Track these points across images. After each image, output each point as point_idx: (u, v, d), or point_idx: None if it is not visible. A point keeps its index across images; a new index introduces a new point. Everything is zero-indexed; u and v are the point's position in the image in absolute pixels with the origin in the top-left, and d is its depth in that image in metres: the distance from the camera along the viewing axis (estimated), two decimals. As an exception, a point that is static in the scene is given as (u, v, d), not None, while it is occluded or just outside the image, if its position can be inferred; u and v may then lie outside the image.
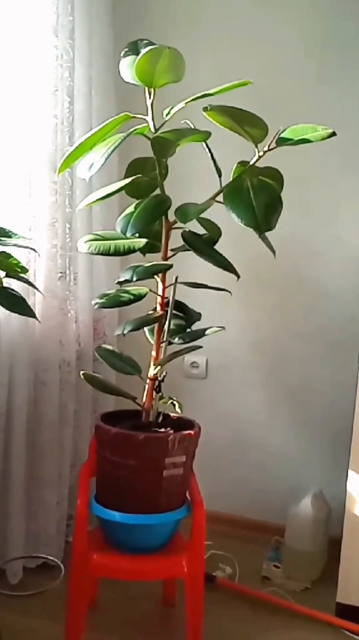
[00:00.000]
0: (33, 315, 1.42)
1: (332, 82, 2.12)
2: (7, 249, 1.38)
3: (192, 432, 1.53)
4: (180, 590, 1.73)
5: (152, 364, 1.59)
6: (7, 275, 1.38)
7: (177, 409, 1.62)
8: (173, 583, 1.82)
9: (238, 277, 1.51)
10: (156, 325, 1.59)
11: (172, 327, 1.58)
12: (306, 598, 1.90)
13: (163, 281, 1.57)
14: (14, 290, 1.42)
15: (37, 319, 1.54)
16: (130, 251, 1.47)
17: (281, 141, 1.38)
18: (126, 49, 1.50)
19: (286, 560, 2.05)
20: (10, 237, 1.34)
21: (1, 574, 1.83)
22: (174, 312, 1.59)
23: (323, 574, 2.02)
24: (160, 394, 1.60)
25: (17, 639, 1.63)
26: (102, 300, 1.56)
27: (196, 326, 1.64)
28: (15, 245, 1.35)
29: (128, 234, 1.41)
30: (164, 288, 1.58)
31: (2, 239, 1.33)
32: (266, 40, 2.17)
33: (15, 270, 1.37)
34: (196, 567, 1.55)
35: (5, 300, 1.36)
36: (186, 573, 1.54)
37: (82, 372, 1.62)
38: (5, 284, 1.38)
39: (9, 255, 1.39)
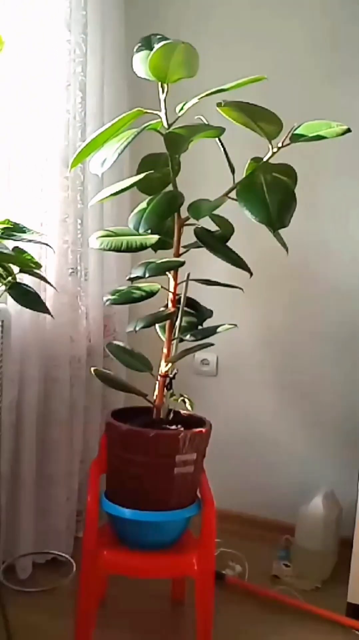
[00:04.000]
0: (47, 311, 1.42)
1: (344, 81, 2.10)
2: (20, 245, 1.38)
3: (203, 430, 1.52)
4: (189, 588, 1.73)
5: (162, 361, 1.58)
6: (20, 271, 1.37)
7: (188, 407, 1.61)
8: (182, 581, 1.82)
9: (251, 274, 1.50)
10: (167, 322, 1.58)
11: (183, 324, 1.57)
12: (317, 598, 1.89)
13: (175, 278, 1.56)
14: (28, 286, 1.42)
15: (52, 315, 1.53)
16: (142, 247, 1.46)
17: (296, 137, 1.37)
18: (139, 44, 1.49)
19: (297, 560, 2.04)
20: (24, 232, 1.34)
21: (11, 569, 1.83)
22: (185, 309, 1.59)
23: (333, 574, 2.01)
24: (171, 391, 1.59)
25: (26, 635, 1.63)
26: (113, 297, 1.56)
27: (207, 323, 1.63)
28: (30, 240, 1.35)
29: (140, 230, 1.40)
30: (176, 285, 1.57)
31: (17, 234, 1.32)
32: (278, 38, 2.16)
33: (29, 266, 1.37)
34: (206, 565, 1.54)
35: (20, 297, 1.36)
36: (196, 571, 1.53)
37: (92, 369, 1.61)
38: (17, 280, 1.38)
39: (22, 251, 1.38)
